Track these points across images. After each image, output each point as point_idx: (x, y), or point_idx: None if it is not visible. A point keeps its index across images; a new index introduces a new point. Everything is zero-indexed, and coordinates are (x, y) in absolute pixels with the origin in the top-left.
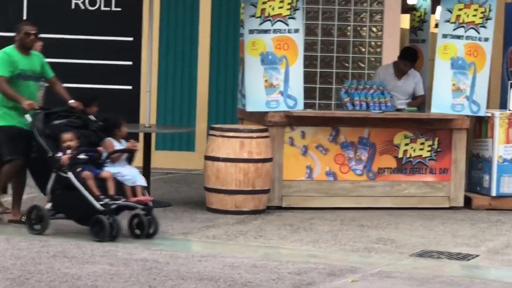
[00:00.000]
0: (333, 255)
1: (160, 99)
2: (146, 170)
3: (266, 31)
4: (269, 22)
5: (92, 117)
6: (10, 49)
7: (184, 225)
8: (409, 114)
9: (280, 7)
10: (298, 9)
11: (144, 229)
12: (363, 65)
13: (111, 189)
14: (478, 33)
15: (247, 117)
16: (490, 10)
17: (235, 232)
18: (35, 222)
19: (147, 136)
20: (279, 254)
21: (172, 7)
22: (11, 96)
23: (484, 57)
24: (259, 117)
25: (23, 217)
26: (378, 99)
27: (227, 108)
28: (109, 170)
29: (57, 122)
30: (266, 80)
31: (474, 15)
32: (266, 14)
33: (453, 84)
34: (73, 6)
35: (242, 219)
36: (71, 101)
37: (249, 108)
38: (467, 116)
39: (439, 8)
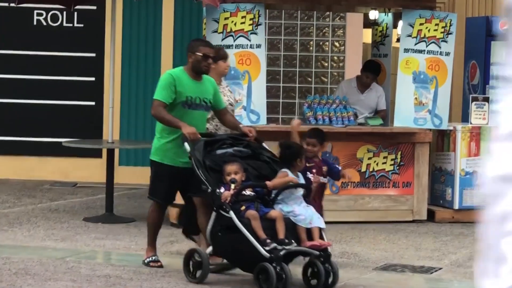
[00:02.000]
0: (297, 269)
1: (123, 115)
2: (109, 186)
3: (228, 47)
4: (231, 37)
5: (265, 145)
6: (178, 71)
7: None
8: (371, 128)
9: (242, 23)
10: (260, 25)
11: (320, 278)
12: (325, 80)
13: (281, 232)
14: (440, 47)
15: None
16: (451, 25)
17: None
18: (194, 268)
19: (110, 152)
20: None
21: (134, 23)
22: (169, 122)
23: (445, 71)
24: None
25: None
26: (341, 113)
27: None
28: (280, 208)
29: (220, 151)
30: None
31: (435, 30)
32: (228, 30)
33: (415, 98)
34: (35, 23)
35: None
36: (242, 125)
37: None
38: (430, 129)
39: (400, 23)
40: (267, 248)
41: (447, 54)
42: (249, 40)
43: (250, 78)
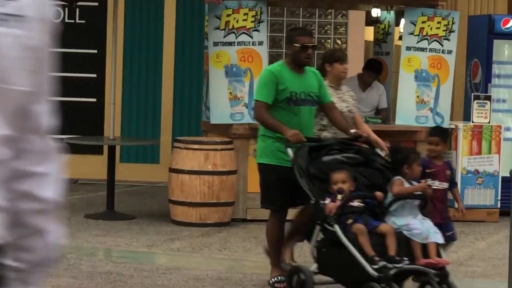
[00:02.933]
0: None
1: (125, 112)
2: (110, 183)
3: (230, 44)
4: (233, 34)
5: (379, 151)
6: (279, 66)
7: (149, 237)
8: (373, 126)
9: (244, 20)
10: (262, 22)
11: None
12: None
13: (391, 248)
14: (442, 45)
15: (212, 130)
16: (453, 23)
17: (199, 244)
18: (298, 287)
19: (112, 149)
20: (244, 266)
21: (136, 19)
22: (272, 126)
23: (447, 70)
24: (223, 129)
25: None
26: None
27: (192, 121)
28: (393, 221)
29: (327, 158)
30: (230, 93)
31: (438, 28)
32: (231, 27)
33: (417, 96)
34: None
35: (206, 232)
36: (354, 130)
37: (213, 121)
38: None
39: (403, 21)
40: (375, 266)
41: (449, 52)
42: (251, 37)
43: (252, 76)
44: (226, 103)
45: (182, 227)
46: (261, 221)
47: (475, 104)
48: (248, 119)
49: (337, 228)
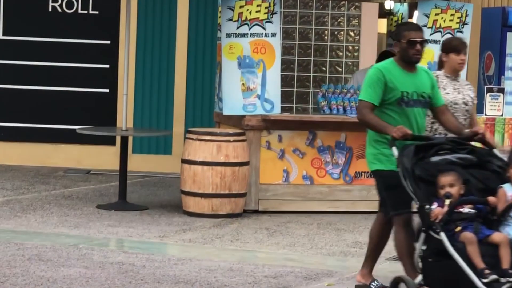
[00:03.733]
0: (309, 258)
1: (137, 103)
2: (122, 173)
3: (243, 35)
4: (246, 26)
5: (497, 152)
6: (388, 63)
7: (161, 228)
8: None
9: (258, 11)
10: (275, 13)
11: None
12: (340, 69)
13: (505, 260)
14: None
15: (224, 121)
16: (466, 15)
17: (211, 235)
18: None
19: (124, 140)
20: (256, 257)
21: (149, 10)
22: (375, 127)
23: None
24: (236, 120)
25: (373, 283)
26: (355, 103)
27: (204, 112)
28: (507, 232)
29: (435, 158)
30: (243, 84)
31: (451, 20)
32: (244, 18)
33: None
34: (50, 9)
35: (218, 223)
36: (468, 130)
37: (226, 112)
38: None
39: (416, 13)
40: (484, 280)
41: None
42: (264, 29)
43: (265, 67)
44: (238, 94)
45: (194, 218)
46: (273, 213)
47: (488, 97)
48: (260, 110)
49: (443, 236)
